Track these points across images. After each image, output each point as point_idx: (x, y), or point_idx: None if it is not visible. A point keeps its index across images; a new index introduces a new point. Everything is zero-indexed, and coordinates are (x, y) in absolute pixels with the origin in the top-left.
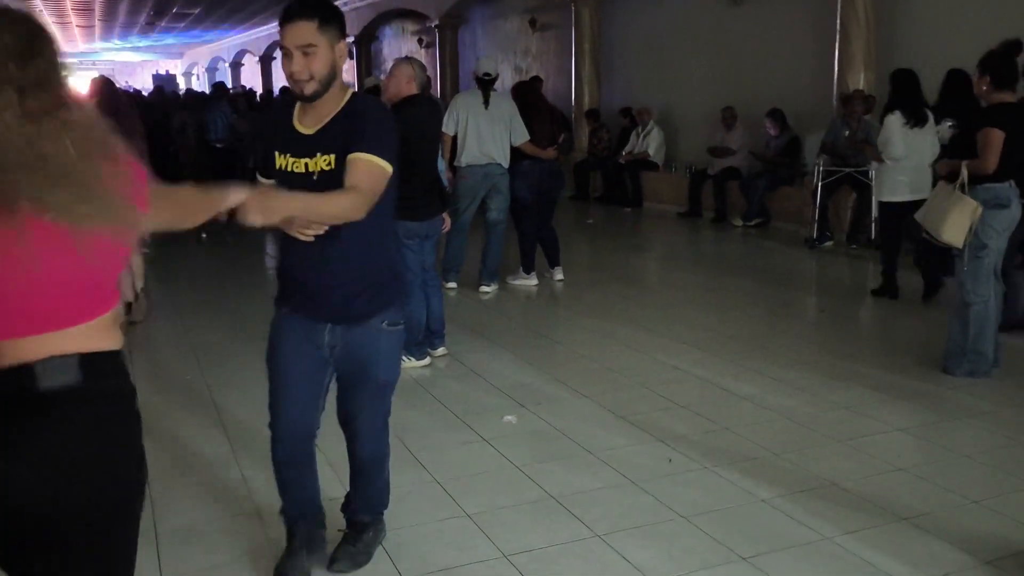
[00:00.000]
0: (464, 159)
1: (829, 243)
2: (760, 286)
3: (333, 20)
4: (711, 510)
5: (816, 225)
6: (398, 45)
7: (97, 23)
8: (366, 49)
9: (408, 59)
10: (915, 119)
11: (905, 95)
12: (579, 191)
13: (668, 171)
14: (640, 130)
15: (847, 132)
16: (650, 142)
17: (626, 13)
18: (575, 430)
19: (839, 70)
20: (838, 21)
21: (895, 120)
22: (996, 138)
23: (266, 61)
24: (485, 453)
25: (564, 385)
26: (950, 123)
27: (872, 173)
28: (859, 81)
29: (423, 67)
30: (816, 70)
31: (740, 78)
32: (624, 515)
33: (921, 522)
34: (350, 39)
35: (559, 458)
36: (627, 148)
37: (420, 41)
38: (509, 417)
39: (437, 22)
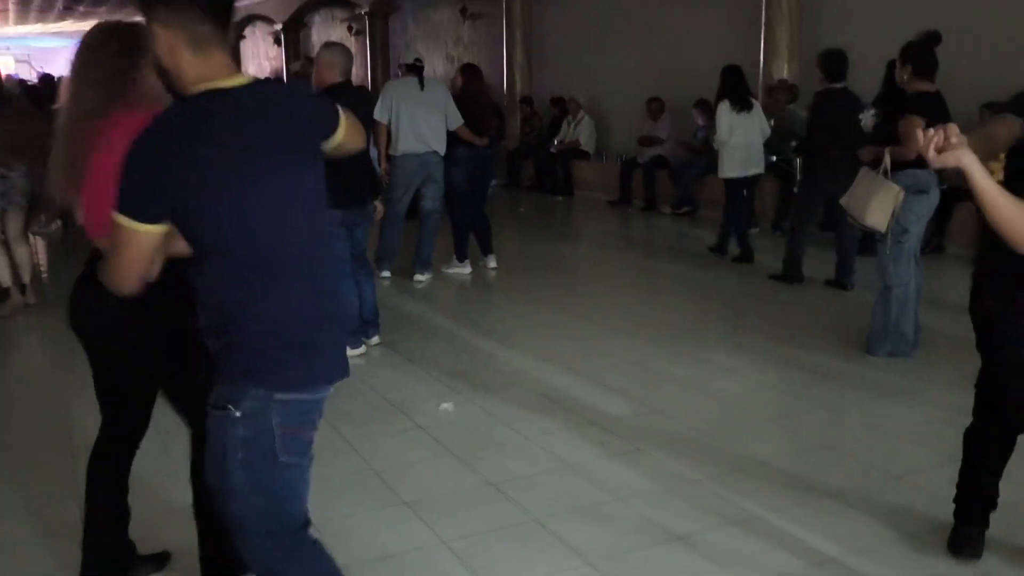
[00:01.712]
0: (399, 148)
1: (755, 230)
2: (689, 272)
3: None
4: (645, 491)
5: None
6: (327, 32)
7: (11, 6)
8: (293, 36)
9: (328, 46)
10: (740, 105)
11: (732, 86)
12: (511, 180)
13: (599, 160)
14: (571, 119)
15: (771, 121)
16: (581, 131)
17: (557, 3)
18: (511, 416)
19: (764, 60)
20: (763, 12)
21: (725, 107)
22: (917, 126)
23: None
24: (421, 441)
25: (499, 372)
26: (873, 111)
27: (796, 162)
28: (784, 71)
29: (346, 53)
30: (742, 60)
31: (669, 68)
32: (560, 498)
33: (846, 498)
34: (277, 26)
35: (495, 444)
36: (558, 137)
37: (350, 28)
38: (445, 405)
39: (367, 9)
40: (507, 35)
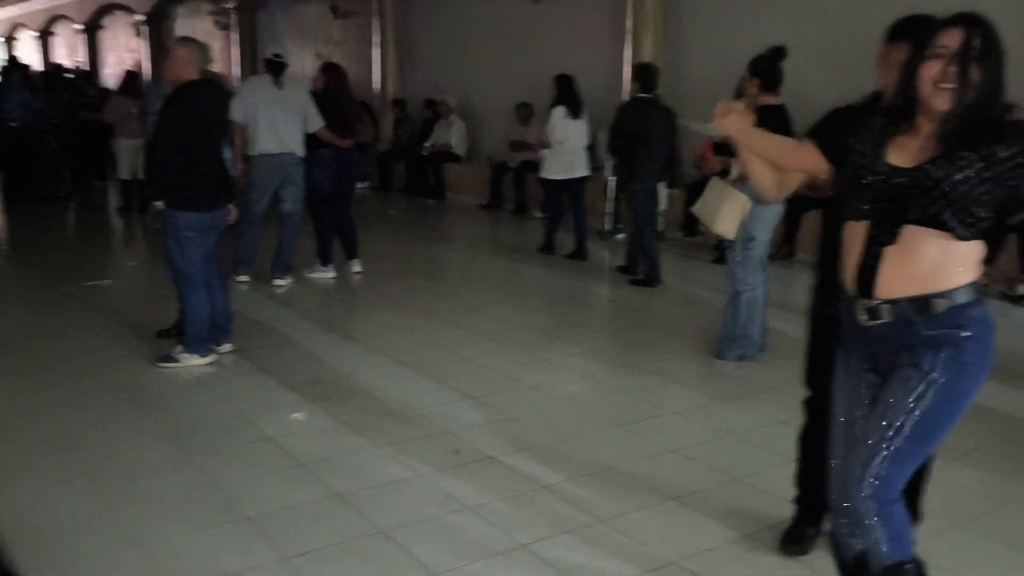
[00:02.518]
0: (256, 148)
1: (622, 235)
2: (555, 277)
3: None
4: (495, 499)
5: (609, 217)
6: (192, 26)
7: None
8: (157, 29)
9: (182, 40)
10: (573, 112)
11: (565, 93)
12: (383, 182)
13: (470, 163)
14: (443, 122)
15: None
16: (452, 134)
17: (429, 4)
18: (364, 425)
19: (631, 70)
20: (629, 22)
21: (559, 112)
22: None
23: (44, 36)
24: (268, 452)
25: (356, 380)
26: None
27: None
28: None
29: (202, 48)
30: (610, 69)
31: (540, 74)
32: (409, 509)
33: (689, 500)
34: (139, 17)
35: (346, 454)
36: (430, 140)
37: (217, 23)
38: (297, 414)
39: (235, 3)
40: (379, 35)
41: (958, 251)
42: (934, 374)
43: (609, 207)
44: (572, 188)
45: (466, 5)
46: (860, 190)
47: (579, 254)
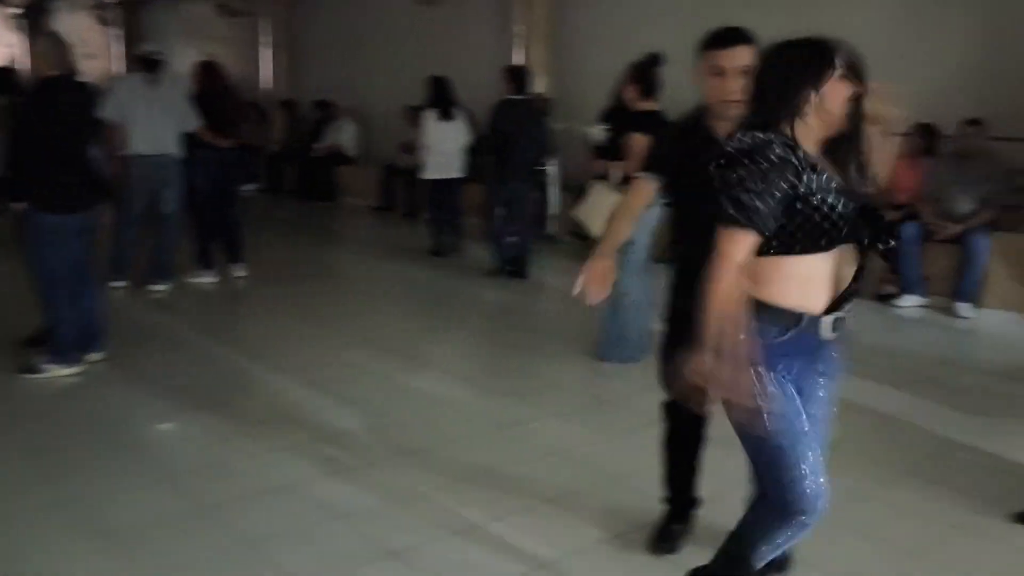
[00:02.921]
0: (132, 148)
1: (514, 238)
2: (443, 279)
3: None
4: (369, 507)
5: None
6: (72, 21)
7: None
8: (35, 23)
9: (44, 35)
10: (444, 115)
11: (437, 96)
12: (272, 184)
13: (362, 165)
14: (334, 123)
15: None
16: (344, 136)
17: (319, 5)
18: (237, 433)
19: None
20: (519, 26)
21: (429, 115)
22: (641, 142)
23: None
24: (135, 464)
25: (231, 387)
26: (603, 127)
27: (550, 172)
28: (539, 85)
29: (60, 43)
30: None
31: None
32: (280, 520)
33: (565, 502)
34: (16, 10)
35: (215, 465)
36: (321, 141)
37: (98, 18)
38: (167, 424)
39: None
40: (268, 35)
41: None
42: (832, 376)
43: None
44: (449, 188)
45: (357, 6)
46: (836, 224)
47: (438, 253)
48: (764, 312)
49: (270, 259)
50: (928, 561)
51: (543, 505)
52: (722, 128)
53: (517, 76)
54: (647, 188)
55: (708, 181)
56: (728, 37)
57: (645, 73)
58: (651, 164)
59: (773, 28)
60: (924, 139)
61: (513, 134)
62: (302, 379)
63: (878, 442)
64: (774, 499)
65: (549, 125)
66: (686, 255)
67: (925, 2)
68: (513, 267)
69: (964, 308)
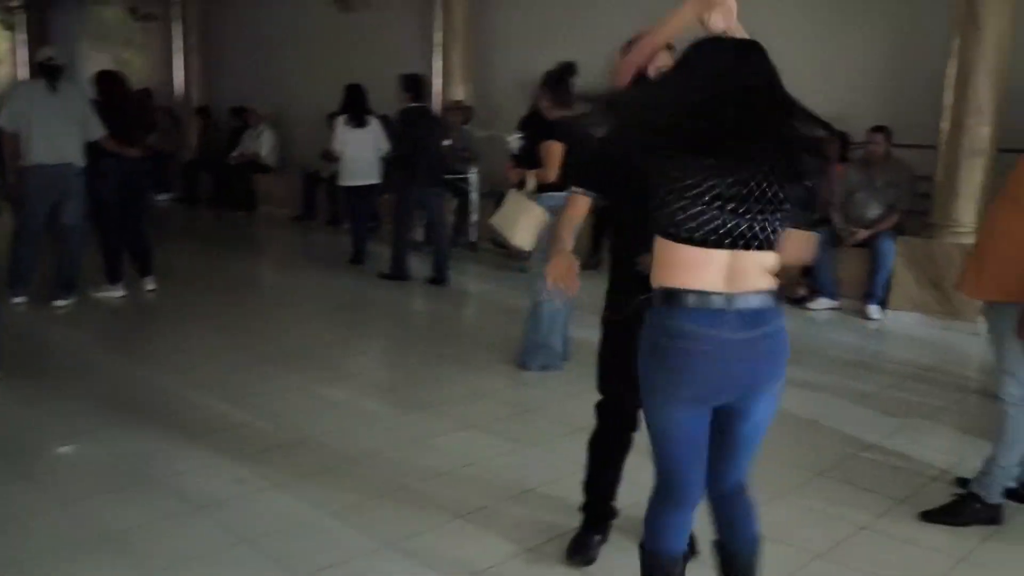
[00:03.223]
0: (30, 158)
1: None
2: (365, 289)
3: None
4: (278, 530)
5: (425, 230)
6: None
7: None
8: None
9: None
10: (356, 122)
11: (350, 103)
12: (188, 193)
13: (282, 174)
14: (252, 130)
15: (449, 141)
16: (262, 143)
17: (236, 9)
18: (144, 455)
19: (442, 81)
20: (438, 34)
21: (340, 122)
22: (557, 150)
23: None
24: (25, 493)
25: (136, 406)
26: (519, 135)
27: (471, 179)
28: (459, 92)
29: None
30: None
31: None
32: (183, 546)
33: (479, 516)
34: None
35: (116, 489)
36: (238, 149)
37: (4, 22)
38: (64, 448)
39: (20, 1)
40: (183, 39)
41: None
42: None
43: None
44: (365, 196)
45: (275, 12)
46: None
47: (358, 261)
48: None
49: (183, 271)
50: (838, 563)
51: (455, 520)
52: None
53: (414, 84)
54: (582, 200)
55: (637, 186)
56: None
57: (558, 82)
58: (579, 174)
59: (690, 33)
60: (835, 147)
61: (421, 140)
62: (215, 395)
63: (789, 444)
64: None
65: (469, 133)
66: (619, 258)
67: (833, 14)
68: (434, 275)
69: (873, 310)
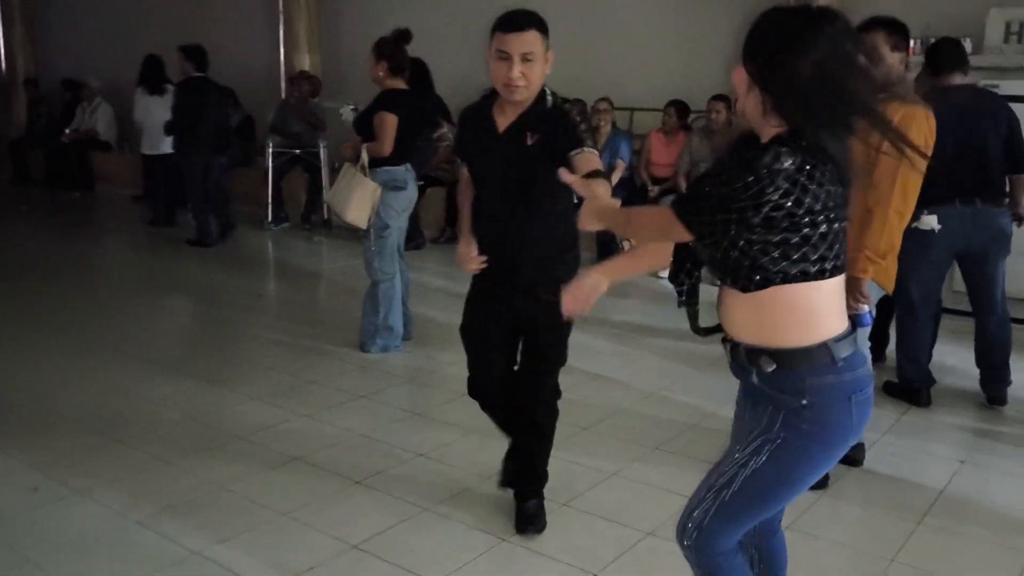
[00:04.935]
0: None
1: (285, 224)
2: (211, 273)
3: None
4: (74, 542)
5: (272, 207)
6: None
7: None
8: None
9: None
10: (153, 90)
11: (149, 72)
12: (17, 173)
13: (122, 151)
14: (86, 105)
15: (294, 115)
16: (98, 119)
17: None
18: None
19: (285, 52)
20: (281, 3)
21: (140, 92)
22: (391, 122)
23: None
24: None
25: None
26: (352, 106)
27: (322, 154)
28: (305, 63)
29: None
30: (267, 51)
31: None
32: None
33: (301, 514)
34: None
35: None
36: (72, 125)
37: None
38: None
39: None
40: (2, 7)
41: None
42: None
43: (270, 197)
44: (162, 164)
45: None
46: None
47: (163, 222)
48: None
49: (10, 260)
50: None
51: (279, 519)
52: (504, 113)
53: (194, 54)
54: (465, 173)
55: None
56: (516, 21)
57: (392, 50)
58: (458, 149)
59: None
60: (678, 115)
61: (203, 109)
62: (23, 395)
63: (632, 418)
64: None
65: (316, 105)
66: (482, 229)
67: None
68: (220, 238)
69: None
